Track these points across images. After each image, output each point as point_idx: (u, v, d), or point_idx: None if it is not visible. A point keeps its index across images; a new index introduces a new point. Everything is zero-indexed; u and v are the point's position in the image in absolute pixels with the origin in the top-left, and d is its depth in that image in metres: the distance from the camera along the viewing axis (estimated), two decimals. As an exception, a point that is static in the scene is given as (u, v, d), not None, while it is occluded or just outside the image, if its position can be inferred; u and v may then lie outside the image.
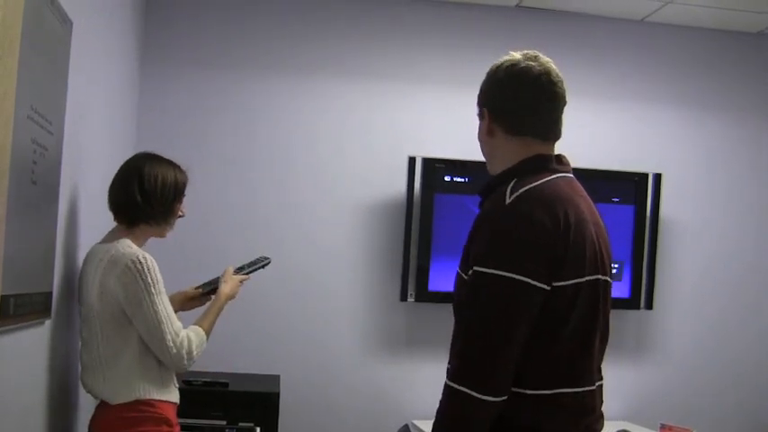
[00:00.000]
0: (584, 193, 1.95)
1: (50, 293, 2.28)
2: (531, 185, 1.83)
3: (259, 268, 2.92)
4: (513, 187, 1.83)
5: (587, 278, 1.81)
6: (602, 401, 1.94)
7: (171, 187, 2.53)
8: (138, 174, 2.50)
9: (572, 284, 1.78)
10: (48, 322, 2.30)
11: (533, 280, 1.73)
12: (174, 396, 2.52)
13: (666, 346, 4.47)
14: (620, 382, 4.30)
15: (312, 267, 4.18)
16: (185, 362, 2.43)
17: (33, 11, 1.91)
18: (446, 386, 1.76)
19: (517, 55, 1.96)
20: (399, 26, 4.31)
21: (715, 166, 4.56)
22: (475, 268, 1.78)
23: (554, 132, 1.96)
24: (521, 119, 1.93)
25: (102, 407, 2.44)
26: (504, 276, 1.73)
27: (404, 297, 4.16)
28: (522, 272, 1.72)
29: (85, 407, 2.68)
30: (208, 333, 2.56)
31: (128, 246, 2.42)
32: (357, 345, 4.21)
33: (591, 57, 4.44)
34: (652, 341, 4.45)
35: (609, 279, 1.93)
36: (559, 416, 1.80)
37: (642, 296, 4.33)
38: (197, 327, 2.53)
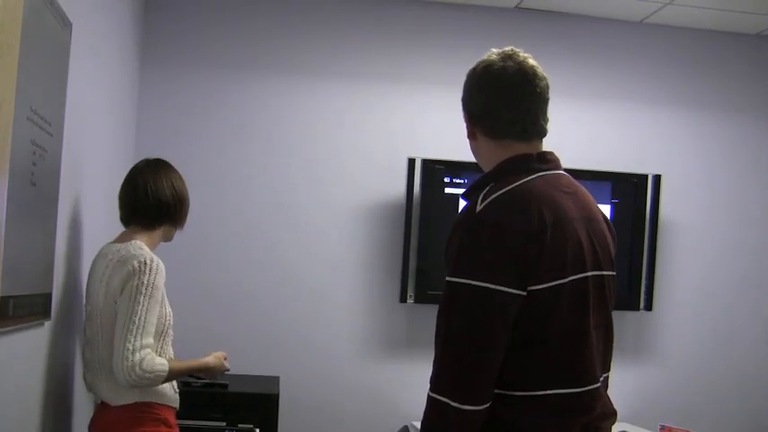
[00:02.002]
0: (576, 189, 1.92)
1: (50, 295, 2.27)
2: (504, 190, 1.80)
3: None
4: (485, 193, 1.80)
5: (571, 278, 1.78)
6: (606, 399, 1.91)
7: (185, 194, 2.61)
8: (166, 176, 2.56)
9: (551, 287, 1.75)
10: (47, 323, 2.30)
11: (506, 287, 1.71)
12: (173, 401, 2.52)
13: (666, 348, 4.47)
14: (619, 384, 4.26)
15: (312, 269, 4.18)
16: (126, 372, 2.28)
17: (33, 12, 1.91)
18: (428, 397, 1.76)
19: (493, 55, 1.94)
20: (399, 27, 4.31)
21: (714, 168, 4.56)
22: (447, 278, 1.76)
23: (536, 131, 1.92)
24: (498, 121, 1.90)
25: (103, 407, 2.44)
26: (476, 285, 1.71)
27: (403, 299, 4.16)
28: (494, 280, 1.70)
29: (84, 408, 2.68)
30: (169, 374, 2.38)
31: (139, 247, 2.42)
32: (357, 346, 4.21)
33: (590, 58, 4.45)
34: (651, 342, 4.45)
35: (606, 273, 1.89)
36: (555, 417, 1.78)
37: (641, 297, 4.33)
38: (165, 361, 2.39)
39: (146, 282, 2.34)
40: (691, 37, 4.54)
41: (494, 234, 1.73)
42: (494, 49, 1.96)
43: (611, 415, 1.91)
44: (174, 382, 2.54)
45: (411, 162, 4.17)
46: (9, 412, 1.98)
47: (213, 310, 4.04)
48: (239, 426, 3.45)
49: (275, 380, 3.90)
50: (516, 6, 4.34)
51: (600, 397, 1.86)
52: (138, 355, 2.28)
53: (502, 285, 1.70)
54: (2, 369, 1.90)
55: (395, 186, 4.22)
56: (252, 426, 3.46)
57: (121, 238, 2.50)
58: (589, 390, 1.82)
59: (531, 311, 1.74)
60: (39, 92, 2.02)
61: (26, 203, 1.96)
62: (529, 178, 1.84)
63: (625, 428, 4.07)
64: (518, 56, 1.91)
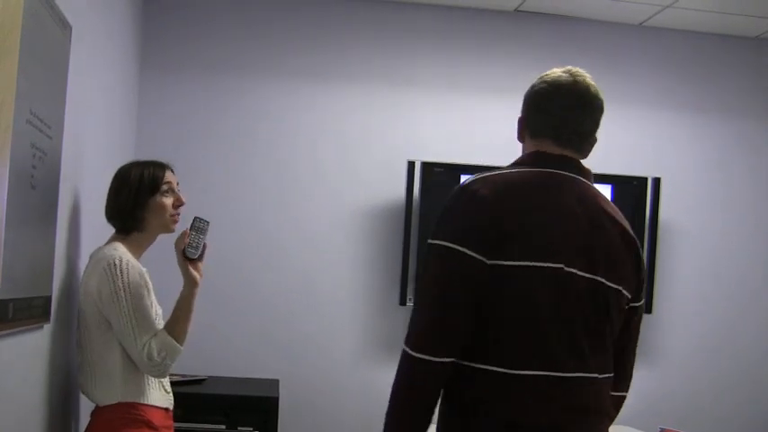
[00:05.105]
0: (586, 195, 1.98)
1: (49, 298, 2.27)
2: (497, 172, 1.93)
3: (203, 236, 2.57)
4: (479, 173, 1.93)
5: (545, 264, 1.83)
6: (593, 397, 1.90)
7: (126, 194, 2.49)
8: (114, 189, 2.54)
9: (522, 266, 1.82)
10: (47, 327, 2.30)
11: (466, 249, 1.82)
12: (161, 401, 2.50)
13: (665, 350, 4.46)
14: (619, 387, 4.29)
15: (312, 271, 4.18)
16: (149, 369, 2.37)
17: (32, 15, 1.91)
18: None
19: (555, 69, 2.05)
20: (399, 30, 4.31)
21: (714, 170, 4.56)
22: (427, 242, 1.91)
23: (570, 140, 1.99)
24: (540, 123, 2.00)
25: (94, 409, 2.46)
26: (442, 245, 1.84)
27: (403, 301, 4.16)
28: (457, 241, 1.83)
29: (84, 411, 2.67)
30: (179, 335, 2.42)
31: (113, 249, 2.43)
32: (356, 349, 4.20)
33: (590, 61, 4.40)
34: (651, 345, 4.45)
35: (607, 283, 1.90)
36: (520, 396, 1.82)
37: (641, 300, 4.33)
38: (163, 331, 2.41)
39: (120, 284, 2.35)
40: (690, 40, 4.54)
41: (469, 202, 1.87)
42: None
43: (591, 413, 1.90)
44: (167, 384, 2.55)
45: (411, 165, 4.17)
46: (9, 415, 1.98)
47: (212, 312, 4.03)
48: (239, 429, 3.45)
49: (275, 383, 3.90)
50: (516, 9, 4.34)
51: (575, 389, 1.86)
52: (150, 353, 2.34)
53: (464, 247, 1.82)
54: (1, 372, 1.90)
55: (394, 189, 4.22)
56: (252, 428, 3.46)
57: (107, 242, 2.52)
58: (563, 377, 1.84)
59: (505, 289, 1.83)
60: (38, 95, 2.02)
61: (26, 206, 1.96)
62: (531, 169, 1.94)
63: (625, 431, 4.06)
64: (577, 71, 2.02)
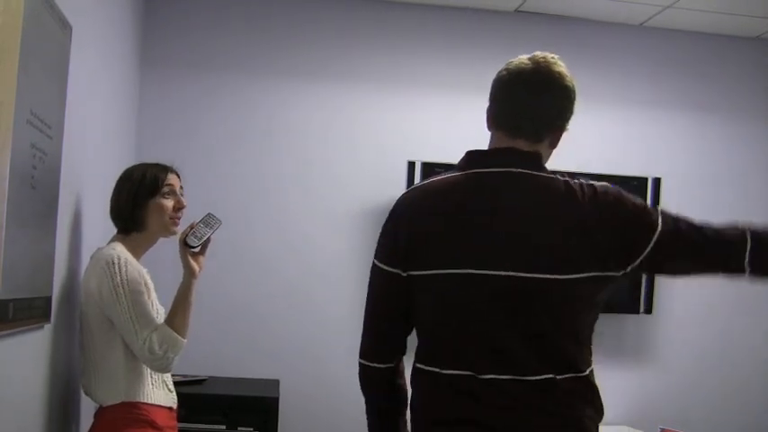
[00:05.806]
0: (533, 187, 1.87)
1: (50, 298, 2.27)
2: (425, 181, 2.00)
3: (209, 231, 2.54)
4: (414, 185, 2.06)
5: (455, 271, 1.84)
6: (536, 398, 1.81)
7: (126, 194, 2.49)
8: (117, 189, 2.54)
9: (429, 275, 1.88)
10: (47, 327, 2.30)
11: (385, 265, 1.98)
12: (164, 399, 2.49)
13: (666, 351, 4.46)
14: (619, 387, 4.29)
15: (312, 273, 4.18)
16: (151, 363, 2.38)
17: (33, 15, 1.91)
18: None
19: (522, 56, 2.00)
20: (399, 30, 4.31)
21: (714, 171, 4.56)
22: None
23: (536, 128, 1.91)
24: (499, 111, 1.99)
25: (97, 410, 2.45)
26: (372, 262, 2.04)
27: (403, 301, 4.15)
28: (379, 258, 2.00)
29: (86, 411, 2.67)
30: (179, 327, 2.41)
31: (111, 248, 2.43)
32: (356, 350, 4.19)
33: (590, 61, 4.45)
34: (651, 346, 4.45)
35: (538, 275, 1.79)
36: (449, 394, 1.87)
37: (641, 301, 4.33)
38: (163, 324, 2.41)
39: (118, 281, 2.35)
40: (691, 40, 4.54)
41: (390, 215, 2.00)
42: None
43: (546, 413, 1.82)
44: (170, 383, 2.55)
45: (411, 165, 4.16)
46: (9, 416, 1.98)
47: (213, 313, 4.04)
48: (239, 429, 3.45)
49: (275, 383, 3.90)
50: (516, 10, 4.34)
51: (503, 390, 1.81)
52: (151, 346, 2.35)
53: (382, 263, 1.99)
54: (2, 372, 1.90)
55: (394, 190, 4.20)
56: (252, 429, 3.46)
57: (108, 242, 2.52)
58: (489, 379, 1.82)
59: (420, 297, 1.92)
60: (39, 95, 2.02)
61: (26, 206, 1.96)
62: (456, 174, 1.94)
63: (625, 431, 4.07)
64: (542, 57, 1.97)
